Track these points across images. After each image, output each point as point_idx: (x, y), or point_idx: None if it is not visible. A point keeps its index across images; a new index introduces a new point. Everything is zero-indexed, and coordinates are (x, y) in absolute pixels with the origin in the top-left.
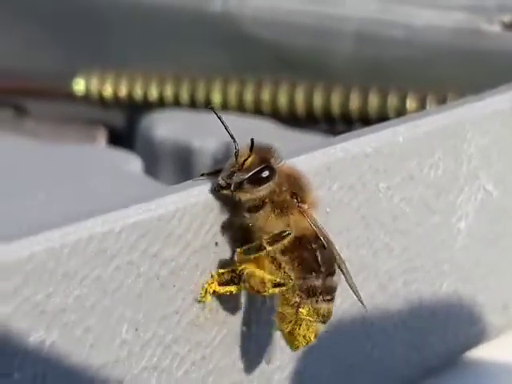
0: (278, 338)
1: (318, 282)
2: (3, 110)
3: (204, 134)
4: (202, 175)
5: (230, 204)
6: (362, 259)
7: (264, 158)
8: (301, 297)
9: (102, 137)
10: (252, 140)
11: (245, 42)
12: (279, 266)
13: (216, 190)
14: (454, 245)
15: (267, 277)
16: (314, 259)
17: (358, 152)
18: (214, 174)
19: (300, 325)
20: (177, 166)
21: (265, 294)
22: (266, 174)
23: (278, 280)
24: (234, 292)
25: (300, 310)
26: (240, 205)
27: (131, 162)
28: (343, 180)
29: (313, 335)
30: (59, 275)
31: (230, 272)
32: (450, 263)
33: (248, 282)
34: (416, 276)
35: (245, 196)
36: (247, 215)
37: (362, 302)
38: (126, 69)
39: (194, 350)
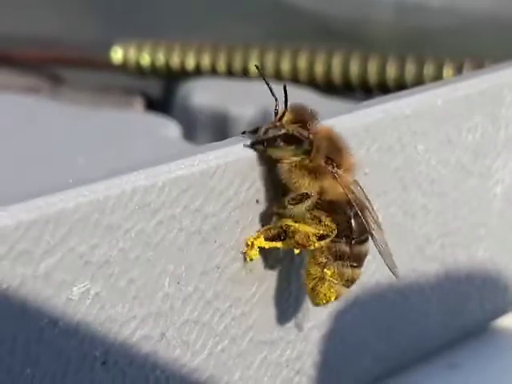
0: None
1: (347, 248)
2: (40, 79)
3: (241, 101)
4: (243, 133)
5: (270, 162)
6: (400, 221)
7: (301, 119)
8: (328, 258)
9: (139, 105)
10: (287, 101)
11: (283, 11)
12: (319, 221)
13: (250, 145)
14: (490, 209)
15: (311, 230)
16: (347, 225)
17: (398, 113)
18: (255, 132)
19: (323, 283)
20: (214, 133)
21: (310, 247)
22: (299, 133)
23: (321, 232)
24: (280, 248)
25: (325, 270)
26: (276, 163)
27: (169, 128)
28: (382, 141)
29: (333, 296)
30: (103, 227)
31: (277, 228)
32: (485, 228)
33: (293, 238)
34: (452, 240)
35: (276, 153)
36: (282, 174)
37: (392, 271)
38: (163, 38)
39: (234, 306)
